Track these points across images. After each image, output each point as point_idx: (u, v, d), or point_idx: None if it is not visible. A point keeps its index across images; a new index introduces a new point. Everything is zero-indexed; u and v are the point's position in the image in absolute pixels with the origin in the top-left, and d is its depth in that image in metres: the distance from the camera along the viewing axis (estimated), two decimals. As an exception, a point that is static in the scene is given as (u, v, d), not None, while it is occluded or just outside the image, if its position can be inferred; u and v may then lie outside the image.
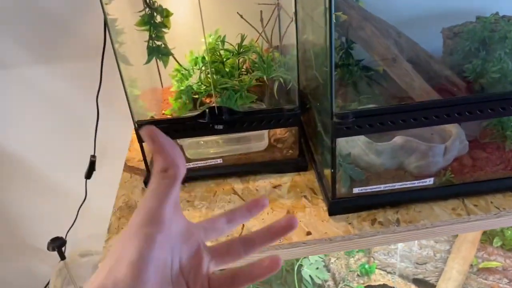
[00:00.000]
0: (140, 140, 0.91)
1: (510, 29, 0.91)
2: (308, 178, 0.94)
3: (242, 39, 1.00)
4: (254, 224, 0.82)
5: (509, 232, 1.23)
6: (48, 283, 1.45)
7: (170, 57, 0.95)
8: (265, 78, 0.91)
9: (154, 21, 0.90)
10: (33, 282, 1.55)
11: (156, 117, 1.01)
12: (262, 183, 0.93)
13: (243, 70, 1.01)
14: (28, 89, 1.20)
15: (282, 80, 0.92)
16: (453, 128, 0.86)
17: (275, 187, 0.92)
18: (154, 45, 0.92)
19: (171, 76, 1.03)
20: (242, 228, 0.81)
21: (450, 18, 1.05)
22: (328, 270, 1.28)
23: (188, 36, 1.12)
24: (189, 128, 0.88)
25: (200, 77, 1.01)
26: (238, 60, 1.00)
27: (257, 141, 0.97)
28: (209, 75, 0.99)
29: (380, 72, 1.05)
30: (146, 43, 0.92)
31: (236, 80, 0.96)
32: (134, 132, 0.90)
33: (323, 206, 0.85)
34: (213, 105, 0.87)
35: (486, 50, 0.96)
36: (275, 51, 1.00)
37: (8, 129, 1.26)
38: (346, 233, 0.79)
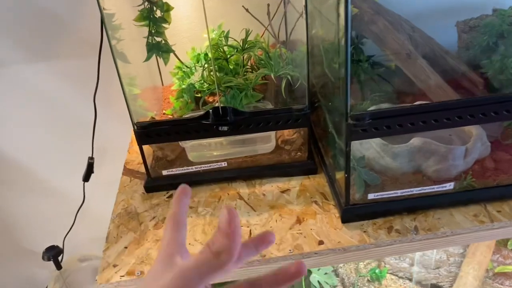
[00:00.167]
0: (140, 143, 0.85)
1: (532, 22, 0.86)
2: (318, 181, 0.88)
3: (247, 34, 0.94)
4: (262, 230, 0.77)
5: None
6: (46, 288, 1.40)
7: (171, 54, 0.90)
8: (272, 76, 0.86)
9: (154, 15, 0.85)
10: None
11: (156, 117, 0.97)
12: (269, 187, 0.88)
13: (248, 67, 0.96)
14: (22, 88, 1.15)
15: (290, 78, 0.87)
16: (473, 129, 0.80)
17: (283, 191, 0.87)
18: (153, 42, 0.87)
19: (172, 74, 0.98)
20: (249, 237, 0.76)
21: (463, 11, 1.00)
22: (337, 275, 1.23)
23: (189, 32, 1.07)
24: (191, 129, 0.82)
25: (202, 75, 0.96)
26: (243, 56, 0.95)
27: (264, 143, 0.91)
28: (212, 73, 0.93)
29: (392, 69, 1.00)
30: (146, 40, 0.86)
31: (241, 78, 0.90)
32: (133, 133, 0.85)
33: (335, 213, 0.80)
34: (217, 105, 0.82)
35: (505, 44, 0.91)
36: (282, 47, 0.94)
37: (1, 129, 1.20)
38: (361, 242, 0.73)
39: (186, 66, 0.96)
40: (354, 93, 0.93)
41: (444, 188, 0.77)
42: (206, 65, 0.95)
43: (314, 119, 0.97)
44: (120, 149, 1.12)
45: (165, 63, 0.89)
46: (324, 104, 0.92)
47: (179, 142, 0.90)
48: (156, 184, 0.90)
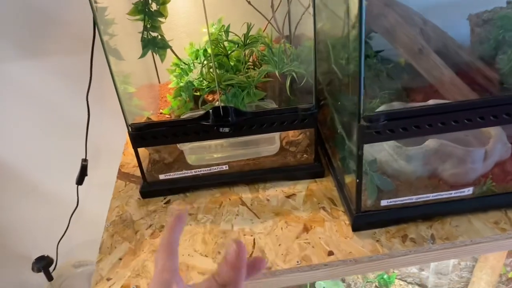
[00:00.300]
0: (135, 145, 0.80)
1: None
2: (325, 185, 0.83)
3: (249, 28, 0.89)
4: (267, 242, 0.72)
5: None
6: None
7: (168, 50, 0.84)
8: (277, 74, 0.80)
9: (149, 9, 0.79)
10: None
11: (153, 117, 0.91)
12: (274, 192, 0.83)
13: (250, 63, 0.90)
14: (11, 86, 1.09)
15: (295, 75, 0.81)
16: (492, 129, 0.75)
17: (288, 196, 0.81)
18: (149, 37, 0.81)
19: (169, 72, 0.92)
20: (254, 248, 0.71)
21: (475, 3, 0.95)
22: (343, 281, 1.18)
23: (187, 26, 1.02)
24: (190, 131, 0.77)
25: (201, 71, 0.90)
26: (244, 52, 0.89)
27: (267, 145, 0.86)
28: (211, 70, 0.88)
29: (402, 65, 0.95)
30: (141, 35, 0.81)
31: (242, 75, 0.85)
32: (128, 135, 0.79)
33: (345, 220, 0.74)
34: (218, 104, 0.77)
35: (522, 38, 0.86)
36: (286, 41, 0.88)
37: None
38: (373, 252, 0.68)
39: (184, 63, 0.91)
40: (355, 87, 0.87)
41: (463, 194, 0.71)
42: (205, 62, 0.89)
43: (320, 118, 0.92)
44: (115, 149, 1.07)
45: (162, 60, 0.84)
46: (332, 103, 0.87)
47: (177, 144, 0.84)
48: (152, 189, 0.84)
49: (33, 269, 1.08)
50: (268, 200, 0.81)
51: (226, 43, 0.89)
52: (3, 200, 1.26)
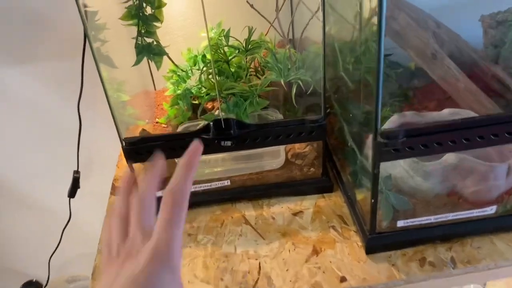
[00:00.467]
0: (129, 161, 0.74)
1: None
2: (334, 201, 0.77)
3: (250, 33, 0.83)
4: (273, 266, 0.66)
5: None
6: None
7: (164, 57, 0.78)
8: (282, 83, 0.74)
9: (144, 13, 0.73)
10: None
11: (148, 126, 0.86)
12: (279, 209, 0.77)
13: (251, 70, 0.84)
14: (-1, 93, 1.03)
15: (301, 83, 0.76)
16: (514, 141, 0.69)
17: (295, 214, 0.76)
18: (143, 43, 0.75)
19: (165, 78, 0.86)
20: (259, 273, 0.65)
21: (486, 4, 0.90)
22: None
23: (184, 30, 0.96)
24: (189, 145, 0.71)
25: (200, 78, 0.84)
26: (246, 58, 0.83)
27: (272, 158, 0.80)
28: (211, 77, 0.82)
29: (412, 69, 0.89)
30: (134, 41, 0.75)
31: (244, 83, 0.79)
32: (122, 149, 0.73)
33: (357, 241, 0.69)
34: (218, 116, 0.71)
35: (541, 42, 0.81)
36: (291, 47, 0.83)
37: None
38: (390, 278, 0.63)
39: (182, 70, 0.85)
40: (367, 97, 0.82)
41: (485, 213, 0.66)
42: (204, 68, 0.83)
43: (327, 127, 0.86)
44: (108, 157, 1.02)
45: (157, 68, 0.78)
46: (340, 112, 0.81)
47: (175, 159, 0.78)
48: (149, 206, 0.78)
49: (20, 294, 1.02)
50: (273, 218, 0.75)
51: (226, 49, 0.84)
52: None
